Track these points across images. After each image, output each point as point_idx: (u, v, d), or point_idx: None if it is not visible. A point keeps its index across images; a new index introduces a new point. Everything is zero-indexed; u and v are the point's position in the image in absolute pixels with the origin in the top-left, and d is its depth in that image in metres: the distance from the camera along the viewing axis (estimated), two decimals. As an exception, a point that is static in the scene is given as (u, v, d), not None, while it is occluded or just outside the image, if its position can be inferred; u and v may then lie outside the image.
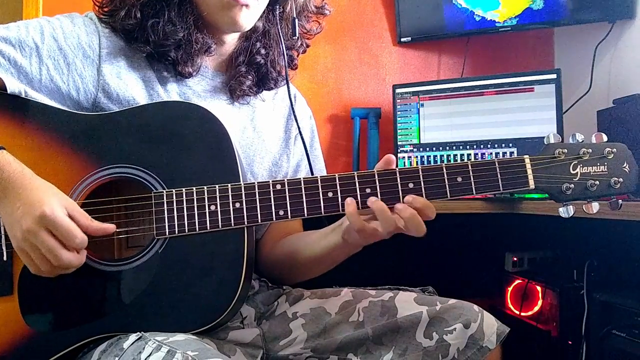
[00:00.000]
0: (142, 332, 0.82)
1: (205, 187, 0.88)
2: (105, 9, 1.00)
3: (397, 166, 0.88)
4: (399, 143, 1.78)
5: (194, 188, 0.88)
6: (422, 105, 1.76)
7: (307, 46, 1.16)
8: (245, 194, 0.88)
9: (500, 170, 0.86)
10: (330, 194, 0.87)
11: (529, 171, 0.85)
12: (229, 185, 0.88)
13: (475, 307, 0.95)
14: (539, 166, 0.86)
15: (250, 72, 1.08)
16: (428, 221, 0.85)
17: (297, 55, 1.16)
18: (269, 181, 0.88)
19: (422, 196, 0.86)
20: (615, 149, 0.85)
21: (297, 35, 1.09)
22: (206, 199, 0.88)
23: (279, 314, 1.05)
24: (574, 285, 1.52)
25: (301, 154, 1.16)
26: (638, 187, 0.86)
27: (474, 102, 1.71)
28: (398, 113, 1.79)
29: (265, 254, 1.11)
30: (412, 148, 1.77)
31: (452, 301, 0.96)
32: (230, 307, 0.86)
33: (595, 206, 0.86)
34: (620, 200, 0.86)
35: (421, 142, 1.76)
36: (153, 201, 0.88)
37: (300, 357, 0.98)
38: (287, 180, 0.89)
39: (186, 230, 0.87)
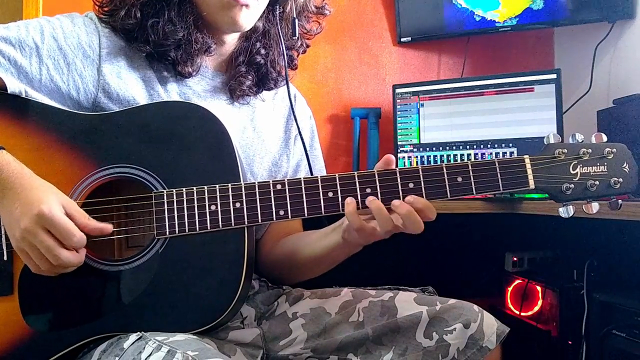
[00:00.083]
0: (143, 332, 0.82)
1: (205, 187, 0.88)
2: (105, 9, 1.00)
3: (397, 166, 0.88)
4: (399, 143, 1.78)
5: (194, 188, 0.88)
6: (422, 105, 1.76)
7: (307, 46, 1.16)
8: (245, 193, 0.88)
9: (500, 170, 0.86)
10: (330, 194, 0.87)
11: (529, 171, 0.85)
12: (229, 185, 0.88)
13: (475, 307, 0.95)
14: (539, 166, 0.86)
15: (250, 72, 1.08)
16: (428, 221, 0.85)
17: (297, 56, 1.16)
18: (269, 181, 0.88)
19: (422, 196, 0.86)
20: (615, 149, 0.85)
21: (297, 35, 1.09)
22: (206, 198, 0.88)
23: (279, 314, 1.05)
24: (574, 285, 1.52)
25: (301, 154, 1.16)
26: (638, 187, 0.86)
27: (474, 102, 1.71)
28: (398, 113, 1.79)
29: (265, 253, 1.11)
30: (412, 148, 1.77)
31: (452, 301, 0.96)
32: (231, 307, 0.86)
33: (595, 206, 0.86)
34: (620, 201, 0.86)
35: (421, 142, 1.76)
36: (153, 201, 0.88)
37: (300, 357, 0.99)
38: (288, 180, 0.89)
39: (186, 230, 0.87)
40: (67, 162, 0.90)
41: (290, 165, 1.15)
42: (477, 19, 1.88)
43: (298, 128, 1.12)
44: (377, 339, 0.95)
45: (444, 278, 1.40)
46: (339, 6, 1.98)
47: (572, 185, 0.85)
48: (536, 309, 1.66)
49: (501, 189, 0.86)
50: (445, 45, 2.04)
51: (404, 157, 1.77)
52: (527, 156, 0.86)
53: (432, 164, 1.65)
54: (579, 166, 0.85)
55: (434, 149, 1.75)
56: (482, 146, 1.69)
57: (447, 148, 1.73)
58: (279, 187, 0.88)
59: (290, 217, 0.88)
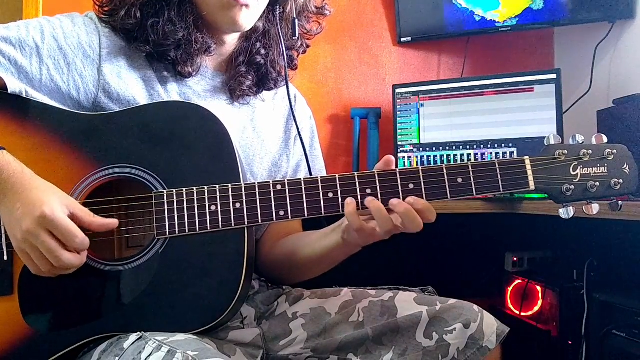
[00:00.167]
0: (143, 332, 0.82)
1: (205, 187, 0.88)
2: (106, 9, 1.00)
3: (397, 166, 0.88)
4: (399, 143, 1.78)
5: (195, 188, 0.88)
6: (422, 105, 1.76)
7: (307, 46, 1.16)
8: (245, 194, 0.88)
9: (500, 171, 0.86)
10: (330, 195, 0.87)
11: (529, 172, 0.86)
12: (230, 185, 0.88)
13: (475, 307, 0.95)
14: (539, 167, 0.86)
15: (250, 72, 1.08)
16: (428, 222, 0.85)
17: (297, 56, 1.16)
18: (269, 181, 0.88)
19: (422, 196, 0.86)
20: (615, 150, 0.85)
21: (297, 35, 1.09)
22: (207, 199, 0.88)
23: (279, 314, 1.05)
24: (574, 285, 1.52)
25: (301, 155, 1.16)
26: (638, 188, 0.86)
27: (474, 102, 1.71)
28: (398, 113, 1.79)
29: (265, 254, 1.11)
30: (412, 148, 1.77)
31: (452, 301, 0.96)
32: (231, 307, 0.86)
33: (595, 207, 0.86)
34: (620, 202, 0.86)
35: (421, 142, 1.76)
36: (153, 201, 0.88)
37: (300, 357, 0.99)
38: (288, 180, 0.89)
39: (186, 230, 0.87)
40: (67, 162, 0.90)
41: (290, 165, 1.15)
42: (477, 19, 1.88)
43: (297, 128, 1.12)
44: (377, 339, 0.95)
45: (444, 278, 1.40)
46: (339, 6, 1.98)
47: (572, 187, 0.85)
48: (536, 309, 1.66)
49: (501, 189, 0.86)
50: (445, 45, 2.04)
51: (404, 157, 1.77)
52: (527, 157, 0.86)
53: (432, 164, 1.68)
54: (579, 167, 0.85)
55: (434, 149, 1.75)
56: (482, 146, 1.69)
57: (447, 148, 1.73)
58: (279, 187, 0.88)
59: (290, 217, 0.88)
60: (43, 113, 0.92)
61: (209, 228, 0.87)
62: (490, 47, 2.04)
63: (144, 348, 0.77)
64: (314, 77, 2.00)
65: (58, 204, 0.80)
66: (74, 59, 0.94)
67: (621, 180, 0.84)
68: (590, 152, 0.85)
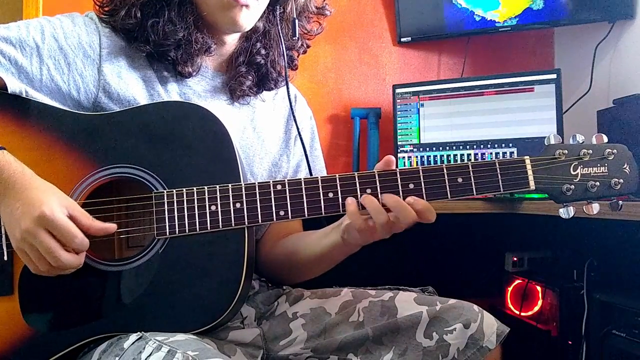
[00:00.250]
0: (143, 332, 0.82)
1: (205, 187, 0.88)
2: (106, 9, 1.00)
3: (397, 166, 0.88)
4: (399, 143, 1.78)
5: (195, 188, 0.88)
6: (422, 105, 1.76)
7: (308, 47, 1.16)
8: (245, 194, 0.88)
9: (500, 171, 0.86)
10: (330, 195, 0.87)
11: (530, 172, 0.86)
12: (230, 185, 0.88)
13: (475, 307, 0.95)
14: (539, 167, 0.86)
15: (250, 73, 1.08)
16: (428, 222, 0.85)
17: (298, 56, 1.16)
18: (269, 181, 0.88)
19: (423, 196, 0.86)
20: (615, 150, 0.85)
21: (298, 35, 1.09)
22: (207, 199, 0.88)
23: (279, 314, 1.05)
24: (574, 285, 1.52)
25: (301, 155, 1.16)
26: (638, 188, 0.86)
27: (474, 102, 1.71)
28: (398, 113, 1.79)
29: (265, 253, 1.11)
30: (412, 148, 1.77)
31: (452, 301, 0.96)
32: (231, 307, 0.86)
33: (595, 207, 0.86)
34: (620, 201, 0.86)
35: (421, 142, 1.76)
36: (154, 201, 0.88)
37: (300, 357, 0.99)
38: (288, 180, 0.89)
39: (187, 230, 0.87)
40: (68, 162, 0.90)
41: (290, 165, 1.15)
42: (477, 19, 1.88)
43: (297, 129, 1.12)
44: (377, 339, 0.95)
45: (444, 278, 1.40)
46: (339, 6, 1.98)
47: (572, 186, 0.85)
48: (536, 309, 1.66)
49: (502, 189, 0.86)
50: (445, 45, 2.04)
51: (404, 157, 1.77)
52: (527, 157, 0.86)
53: (432, 164, 1.68)
54: (579, 167, 0.85)
55: (434, 149, 1.75)
56: (482, 146, 1.70)
57: (447, 148, 1.73)
58: (279, 187, 0.88)
59: (290, 217, 0.88)
60: (43, 113, 0.92)
61: (209, 228, 0.87)
62: (490, 47, 2.04)
63: (144, 348, 0.77)
64: (314, 77, 2.00)
65: (57, 204, 0.80)
66: (74, 58, 0.94)
67: (621, 180, 0.84)
68: (590, 151, 0.85)
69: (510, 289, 1.80)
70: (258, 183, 0.88)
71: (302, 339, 0.99)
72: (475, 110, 1.71)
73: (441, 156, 1.74)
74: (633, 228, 1.17)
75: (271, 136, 1.13)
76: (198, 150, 0.90)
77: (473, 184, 0.86)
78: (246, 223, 0.88)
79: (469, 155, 1.70)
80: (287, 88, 1.12)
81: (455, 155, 1.72)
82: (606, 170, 0.85)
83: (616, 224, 1.09)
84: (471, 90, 1.72)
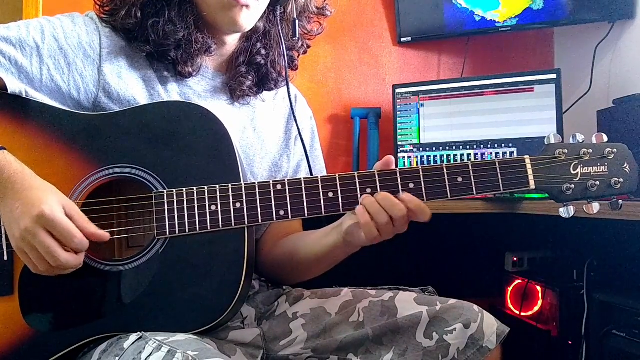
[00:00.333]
0: (143, 332, 0.82)
1: (205, 187, 0.88)
2: (106, 8, 1.00)
3: (397, 166, 0.88)
4: (399, 143, 1.78)
5: (195, 188, 0.88)
6: (422, 105, 1.76)
7: (308, 47, 1.16)
8: (245, 194, 0.88)
9: (500, 171, 0.86)
10: (330, 194, 0.87)
11: (530, 171, 0.86)
12: (230, 185, 0.88)
13: (475, 307, 0.95)
14: (539, 166, 0.86)
15: (250, 73, 1.08)
16: (429, 221, 0.85)
17: (298, 56, 1.16)
18: (269, 181, 0.88)
19: (423, 196, 0.86)
20: (615, 149, 0.85)
21: (298, 36, 1.09)
22: (207, 198, 0.88)
23: (279, 314, 1.05)
24: (574, 285, 1.52)
25: (301, 155, 1.16)
26: (638, 188, 0.86)
27: (474, 102, 1.71)
28: (398, 113, 1.79)
29: (265, 253, 1.11)
30: (412, 148, 1.77)
31: (452, 301, 0.96)
32: (231, 307, 0.86)
33: (595, 206, 0.86)
34: (620, 201, 0.86)
35: (421, 142, 1.76)
36: (154, 201, 0.88)
37: (300, 357, 0.98)
38: (288, 180, 0.89)
39: (187, 230, 0.87)
40: (68, 162, 0.90)
41: (290, 165, 1.15)
42: (477, 19, 1.88)
43: (298, 129, 1.12)
44: (377, 339, 0.95)
45: (444, 278, 1.40)
46: (339, 6, 1.98)
47: (572, 186, 0.85)
48: (536, 309, 1.66)
49: (502, 189, 0.86)
50: (445, 45, 2.04)
51: (404, 157, 1.77)
52: (527, 156, 0.86)
53: (432, 164, 1.68)
54: (579, 166, 0.85)
55: (434, 149, 1.75)
56: (482, 146, 1.70)
57: (447, 148, 1.73)
58: (279, 187, 0.88)
59: (290, 217, 0.88)
60: (43, 113, 0.92)
61: (209, 228, 0.87)
62: (490, 47, 2.04)
63: (144, 348, 0.77)
64: (314, 77, 2.00)
65: (57, 204, 0.80)
66: (74, 59, 0.94)
67: (621, 180, 0.84)
68: (590, 151, 0.85)
69: (510, 289, 1.80)
70: (258, 183, 0.88)
71: (302, 339, 0.99)
72: (475, 110, 1.71)
73: (441, 156, 1.74)
74: (633, 228, 1.17)
75: (271, 136, 1.13)
76: (198, 150, 0.90)
77: (473, 183, 0.86)
78: (246, 223, 0.88)
79: (469, 155, 1.71)
80: (288, 88, 1.12)
81: (455, 155, 1.72)
82: (606, 170, 0.85)
83: (616, 224, 1.09)
84: (471, 90, 1.72)
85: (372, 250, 0.94)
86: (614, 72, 1.76)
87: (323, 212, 0.88)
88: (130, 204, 0.94)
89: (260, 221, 0.88)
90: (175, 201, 0.88)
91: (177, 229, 0.87)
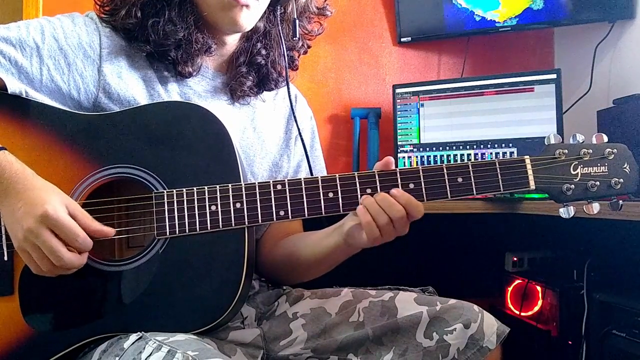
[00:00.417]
0: (143, 332, 0.82)
1: (205, 187, 0.88)
2: (106, 8, 0.99)
3: (397, 166, 0.88)
4: (399, 143, 1.78)
5: (195, 188, 0.88)
6: (422, 105, 1.76)
7: (308, 47, 1.16)
8: (246, 194, 0.88)
9: (500, 171, 0.86)
10: (331, 195, 0.88)
11: (530, 172, 0.86)
12: (230, 185, 0.88)
13: (476, 307, 0.95)
14: (539, 167, 0.86)
15: (250, 73, 1.08)
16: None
17: (298, 56, 1.16)
18: (269, 181, 0.88)
19: (423, 196, 0.86)
20: (615, 150, 0.85)
21: (298, 36, 1.09)
22: (207, 199, 0.88)
23: (279, 314, 1.05)
24: (574, 285, 1.52)
25: (301, 155, 1.16)
26: (638, 188, 0.86)
27: (474, 102, 1.71)
28: (398, 113, 1.79)
29: (265, 254, 1.11)
30: (412, 148, 1.77)
31: (452, 301, 0.96)
32: (231, 307, 0.86)
33: (595, 207, 0.86)
34: (620, 201, 0.86)
35: (421, 142, 1.76)
36: (154, 201, 0.88)
37: (300, 357, 0.99)
38: (288, 180, 0.89)
39: (187, 231, 0.87)
40: (68, 162, 0.90)
41: (290, 165, 1.15)
42: (477, 19, 1.88)
43: (298, 129, 1.12)
44: (377, 339, 0.95)
45: (444, 278, 1.40)
46: (339, 6, 1.98)
47: (572, 186, 0.85)
48: (536, 309, 1.66)
49: (502, 189, 0.86)
50: (445, 45, 2.04)
51: (404, 157, 1.77)
52: (527, 157, 0.86)
53: (432, 164, 1.68)
54: (579, 167, 0.85)
55: (434, 149, 1.75)
56: (482, 146, 1.70)
57: (447, 148, 1.73)
58: (279, 187, 0.88)
59: (290, 217, 0.88)
60: (43, 113, 0.92)
61: (209, 228, 0.87)
62: (490, 47, 2.04)
63: (144, 348, 0.77)
64: (314, 77, 2.00)
65: (60, 204, 0.80)
66: (74, 59, 0.94)
67: (621, 180, 0.84)
68: (590, 151, 0.85)
69: (510, 289, 1.80)
70: (258, 183, 0.88)
71: (302, 339, 0.99)
72: (475, 110, 1.71)
73: (441, 156, 1.74)
74: (633, 228, 1.17)
75: (271, 136, 1.13)
76: (198, 151, 0.90)
77: (473, 183, 0.86)
78: (246, 223, 0.88)
79: (469, 155, 1.71)
80: (288, 88, 1.12)
81: (455, 155, 1.72)
82: (606, 170, 0.85)
83: (616, 224, 1.09)
84: (471, 90, 1.72)
85: (372, 250, 0.94)
86: (614, 72, 1.76)
87: (323, 213, 0.88)
88: (130, 204, 0.94)
89: (260, 221, 0.88)
90: (175, 201, 0.88)
91: (177, 229, 0.87)
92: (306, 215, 0.88)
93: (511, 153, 1.66)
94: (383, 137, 1.88)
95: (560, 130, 1.60)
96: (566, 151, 0.86)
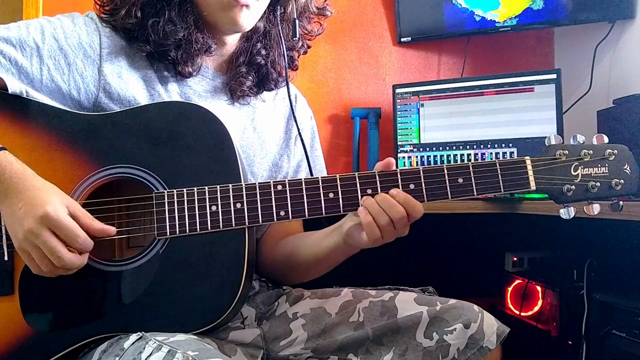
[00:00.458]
0: (143, 332, 0.82)
1: (206, 188, 0.88)
2: (106, 8, 0.99)
3: (397, 166, 0.88)
4: (399, 143, 1.78)
5: (195, 188, 0.88)
6: (422, 105, 1.76)
7: (308, 47, 1.16)
8: (246, 194, 0.88)
9: (501, 172, 0.86)
10: (331, 195, 0.88)
11: (530, 172, 0.86)
12: (230, 185, 0.88)
13: (476, 307, 0.95)
14: (540, 167, 0.86)
15: (250, 73, 1.08)
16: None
17: (298, 56, 1.16)
18: (270, 181, 0.88)
19: (423, 197, 0.86)
20: (616, 150, 0.85)
21: (298, 36, 1.09)
22: (207, 199, 0.88)
23: (279, 314, 1.05)
24: (574, 285, 1.52)
25: (301, 155, 1.16)
26: (639, 188, 0.86)
27: (474, 102, 1.71)
28: (398, 113, 1.79)
29: (265, 254, 1.11)
30: (412, 148, 1.77)
31: (452, 301, 0.96)
32: (231, 308, 0.86)
33: (596, 207, 0.86)
34: (621, 202, 0.86)
35: (421, 142, 1.76)
36: (154, 201, 0.88)
37: (300, 357, 0.99)
38: (288, 180, 0.89)
39: (187, 231, 0.87)
40: (68, 162, 0.90)
41: (290, 165, 1.15)
42: (477, 19, 1.88)
43: (298, 129, 1.12)
44: (377, 339, 0.95)
45: (444, 278, 1.40)
46: (339, 6, 1.98)
47: (573, 187, 0.85)
48: (536, 309, 1.66)
49: (502, 190, 0.86)
50: (445, 45, 2.04)
51: (404, 157, 1.77)
52: (528, 157, 0.86)
53: (432, 164, 1.68)
54: (580, 167, 0.85)
55: (434, 149, 1.75)
56: (482, 146, 1.70)
57: (447, 148, 1.73)
58: (279, 187, 0.88)
59: (290, 217, 0.88)
60: (43, 113, 0.92)
61: (209, 228, 0.87)
62: (490, 47, 2.04)
63: (144, 348, 0.77)
64: (314, 77, 2.00)
65: (60, 204, 0.80)
66: (74, 59, 0.94)
67: (622, 181, 0.84)
68: (591, 152, 0.85)
69: (510, 289, 1.80)
70: (258, 183, 0.88)
71: (302, 339, 0.99)
72: (475, 110, 1.71)
73: (441, 156, 1.74)
74: (633, 228, 1.17)
75: (271, 136, 1.13)
76: (198, 151, 0.90)
77: (474, 184, 0.86)
78: (247, 223, 0.88)
79: (469, 155, 1.71)
80: (288, 88, 1.12)
81: (455, 155, 1.72)
82: (607, 171, 0.85)
83: (616, 224, 1.09)
84: (471, 90, 1.72)
85: (372, 250, 0.94)
86: (614, 72, 1.76)
87: (323, 213, 0.88)
88: (130, 204, 0.94)
89: (260, 221, 0.88)
90: (175, 201, 0.88)
91: (177, 229, 0.87)
92: (306, 215, 0.88)
93: (511, 153, 1.66)
94: (383, 137, 1.88)
95: (560, 130, 1.60)
96: (567, 152, 0.86)
